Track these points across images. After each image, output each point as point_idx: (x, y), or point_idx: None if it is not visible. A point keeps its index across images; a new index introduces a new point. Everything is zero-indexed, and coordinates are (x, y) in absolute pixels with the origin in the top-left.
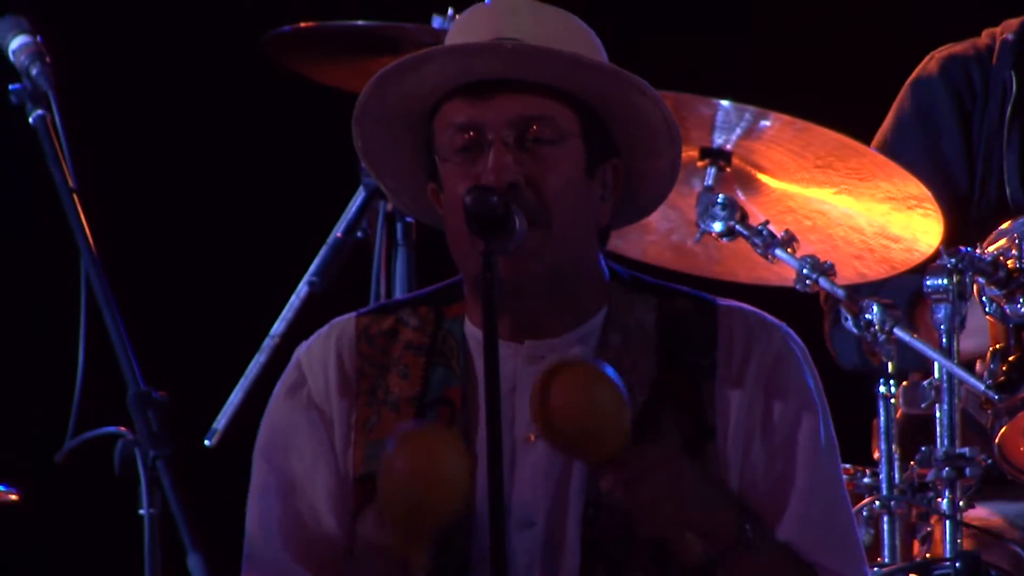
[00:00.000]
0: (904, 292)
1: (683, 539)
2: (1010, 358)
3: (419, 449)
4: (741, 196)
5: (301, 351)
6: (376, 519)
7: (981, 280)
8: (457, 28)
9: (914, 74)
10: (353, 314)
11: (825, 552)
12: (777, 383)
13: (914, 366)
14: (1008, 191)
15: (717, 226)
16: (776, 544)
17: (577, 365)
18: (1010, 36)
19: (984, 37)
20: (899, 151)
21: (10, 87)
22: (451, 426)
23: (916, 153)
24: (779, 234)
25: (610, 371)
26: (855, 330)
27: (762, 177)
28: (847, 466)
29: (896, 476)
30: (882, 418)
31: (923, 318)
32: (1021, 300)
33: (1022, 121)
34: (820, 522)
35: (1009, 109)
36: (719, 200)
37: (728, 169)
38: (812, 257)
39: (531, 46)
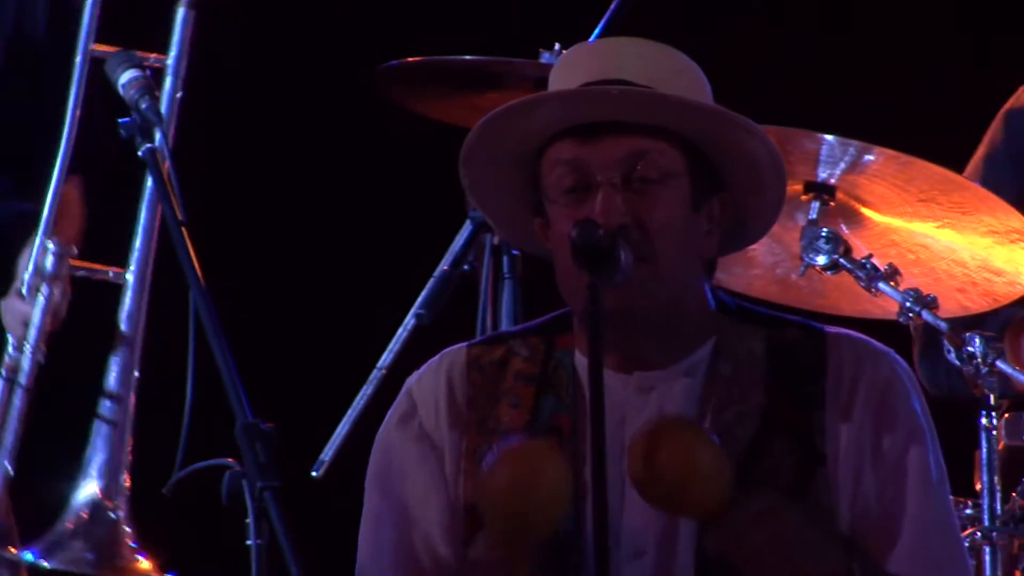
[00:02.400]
0: (996, 322)
1: None
2: None
3: (519, 461)
4: (845, 230)
5: (412, 381)
6: (482, 539)
7: None
8: (561, 67)
9: (1007, 104)
10: (464, 344)
11: None
12: (886, 409)
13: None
14: None
15: (821, 260)
16: None
17: (676, 427)
18: None
19: None
20: (991, 181)
21: (119, 121)
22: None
23: (1009, 183)
24: (882, 267)
25: (708, 431)
26: (957, 362)
27: (865, 211)
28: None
29: (998, 507)
30: (984, 449)
31: (1013, 345)
32: None
33: None
34: (932, 554)
35: None
36: (823, 234)
37: (832, 203)
38: (915, 290)
39: (636, 92)
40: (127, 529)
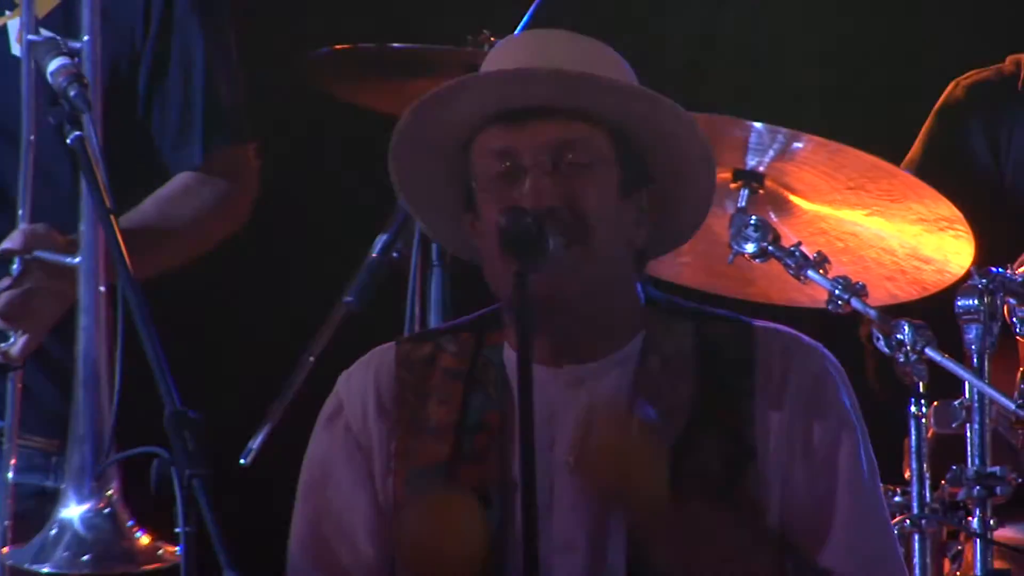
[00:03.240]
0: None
1: None
2: None
3: (434, 514)
4: (774, 218)
5: (341, 379)
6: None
7: (1012, 301)
8: (492, 58)
9: (940, 101)
10: (394, 342)
11: None
12: (816, 403)
13: None
14: None
15: (750, 247)
16: (819, 574)
17: (616, 412)
18: None
19: (1009, 64)
20: (930, 178)
21: (49, 108)
22: (490, 451)
23: (947, 179)
24: (811, 255)
25: (650, 413)
26: (886, 350)
27: (795, 199)
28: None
29: (927, 495)
30: (913, 438)
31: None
32: None
33: None
34: (864, 547)
35: None
36: (752, 221)
37: (761, 191)
38: (844, 278)
39: (566, 72)
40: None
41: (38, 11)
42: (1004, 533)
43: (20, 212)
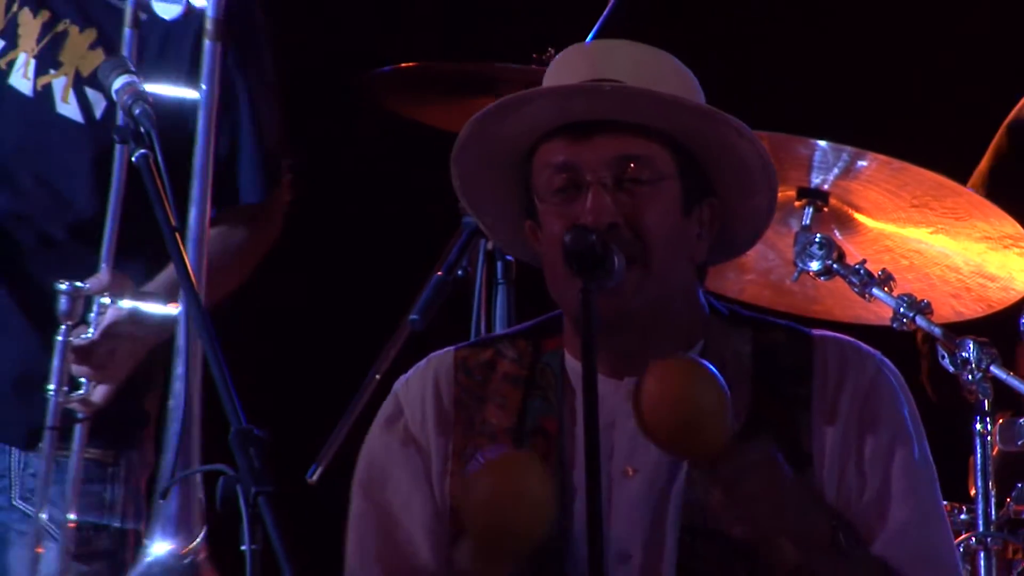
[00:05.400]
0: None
1: (777, 543)
2: None
3: (501, 472)
4: (838, 235)
5: (399, 383)
6: (465, 543)
7: None
8: (555, 68)
9: (1011, 115)
10: (452, 348)
11: (921, 573)
12: (871, 411)
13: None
14: None
15: (815, 265)
16: (870, 556)
17: (680, 360)
18: None
19: None
20: (998, 192)
21: (116, 125)
22: (547, 457)
23: (1016, 194)
24: (876, 273)
25: (712, 368)
26: (951, 368)
27: (859, 217)
28: (943, 503)
29: (992, 513)
30: (978, 455)
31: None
32: None
33: None
34: (916, 545)
35: None
36: (816, 239)
37: (825, 209)
38: (909, 296)
39: (629, 88)
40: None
41: (82, 69)
42: None
43: (103, 252)
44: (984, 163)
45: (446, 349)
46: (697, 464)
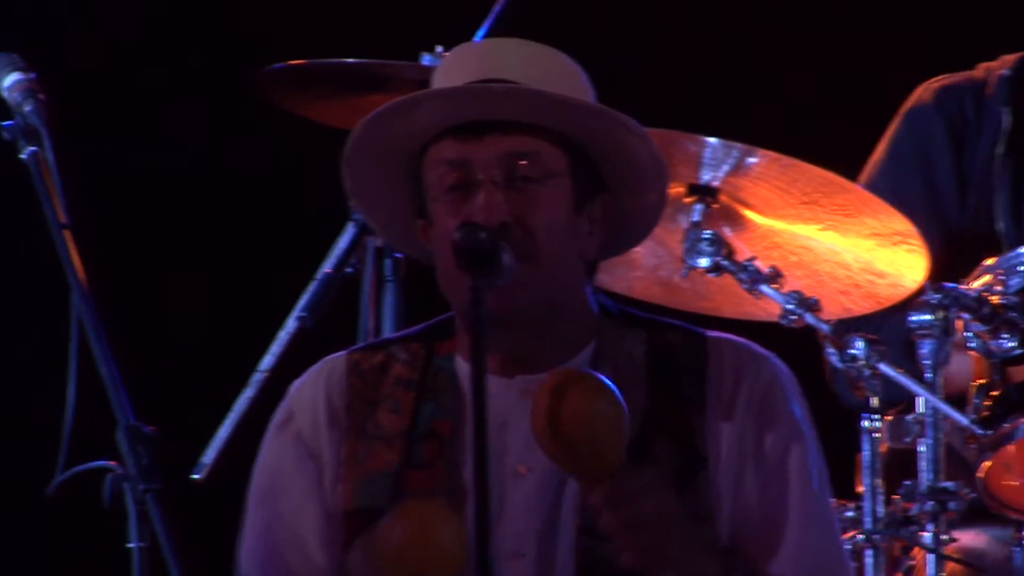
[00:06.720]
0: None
1: None
2: (994, 393)
3: (414, 520)
4: (728, 232)
5: (293, 387)
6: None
7: (966, 316)
8: (445, 67)
9: (908, 103)
10: (345, 351)
11: None
12: (767, 412)
13: (901, 398)
14: (999, 226)
15: (704, 262)
16: None
17: (581, 377)
18: (1006, 71)
19: (979, 71)
20: (892, 180)
21: (3, 124)
22: (439, 460)
23: (910, 182)
24: (765, 270)
25: (610, 384)
26: (840, 364)
27: (748, 213)
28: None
29: (880, 510)
30: (866, 452)
31: None
32: (1005, 336)
33: (1014, 157)
34: (812, 556)
35: (1001, 144)
36: (706, 236)
37: (715, 205)
38: (798, 292)
39: (519, 89)
40: None
41: None
42: (956, 546)
43: None
44: (879, 151)
45: (340, 353)
46: (589, 481)
